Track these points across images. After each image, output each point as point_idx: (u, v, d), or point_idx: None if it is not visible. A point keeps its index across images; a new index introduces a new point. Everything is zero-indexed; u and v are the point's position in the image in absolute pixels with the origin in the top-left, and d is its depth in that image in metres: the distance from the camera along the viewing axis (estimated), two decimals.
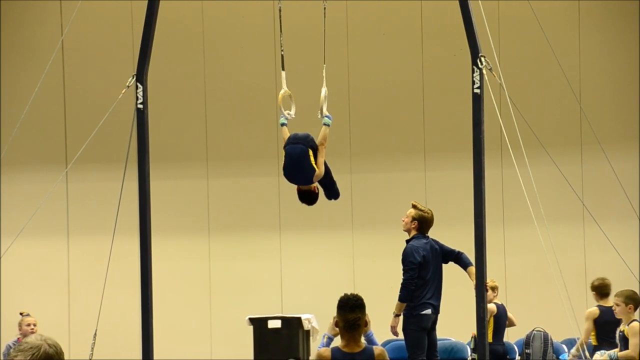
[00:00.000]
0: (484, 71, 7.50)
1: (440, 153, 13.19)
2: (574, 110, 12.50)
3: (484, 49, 7.60)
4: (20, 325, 11.18)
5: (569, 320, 9.44)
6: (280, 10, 8.26)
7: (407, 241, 9.03)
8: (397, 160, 13.30)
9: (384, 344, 11.03)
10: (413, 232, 9.02)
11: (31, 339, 3.40)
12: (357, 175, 13.02)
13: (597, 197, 12.48)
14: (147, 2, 8.12)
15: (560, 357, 10.57)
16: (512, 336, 11.31)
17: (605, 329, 9.81)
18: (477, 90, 7.49)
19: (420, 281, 8.84)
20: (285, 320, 11.69)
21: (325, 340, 10.40)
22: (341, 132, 12.85)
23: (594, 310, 9.88)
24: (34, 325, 11.11)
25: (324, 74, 8.12)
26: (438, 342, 9.24)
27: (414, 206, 9.07)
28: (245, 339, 11.98)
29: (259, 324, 11.70)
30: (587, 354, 9.24)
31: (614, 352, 9.61)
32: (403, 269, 8.87)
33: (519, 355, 11.09)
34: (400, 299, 8.84)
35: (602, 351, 9.83)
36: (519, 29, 12.82)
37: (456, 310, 10.70)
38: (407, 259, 8.86)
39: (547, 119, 12.71)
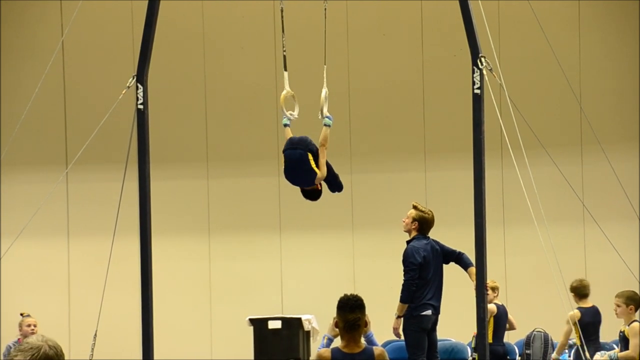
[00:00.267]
0: (484, 71, 7.50)
1: (441, 153, 13.19)
2: (574, 110, 12.50)
3: (484, 49, 7.60)
4: (20, 325, 11.19)
5: (569, 320, 9.45)
6: (282, 11, 8.25)
7: (408, 242, 9.02)
8: (397, 161, 13.30)
9: (384, 345, 11.02)
10: (413, 233, 9.01)
11: (32, 339, 3.40)
12: (357, 175, 13.01)
13: (597, 198, 12.48)
14: (147, 2, 8.11)
15: (561, 358, 10.57)
16: (512, 337, 11.31)
17: (587, 330, 9.80)
18: (478, 91, 7.49)
19: (420, 282, 8.84)
20: (285, 320, 11.70)
21: (325, 341, 10.39)
22: (341, 133, 12.85)
23: (576, 313, 9.85)
24: (34, 326, 11.11)
25: (324, 75, 8.12)
26: (438, 343, 9.24)
27: (415, 207, 9.06)
28: (245, 339, 11.99)
29: (259, 324, 11.71)
30: (587, 354, 9.24)
31: (614, 352, 9.61)
32: (404, 270, 8.86)
33: (519, 355, 11.09)
34: (402, 300, 8.83)
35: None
36: (519, 29, 12.82)
37: (456, 311, 10.69)
38: (408, 259, 8.85)
39: (548, 119, 12.71)
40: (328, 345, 10.20)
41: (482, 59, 7.50)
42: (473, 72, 7.51)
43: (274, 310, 12.64)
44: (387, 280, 11.64)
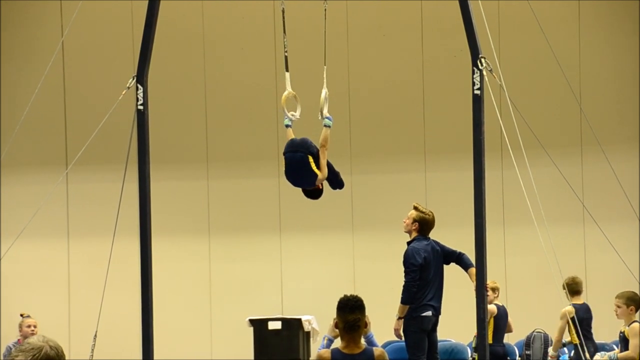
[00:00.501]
0: (484, 72, 7.50)
1: (441, 154, 13.19)
2: (574, 111, 12.50)
3: (484, 49, 7.60)
4: (20, 326, 11.19)
5: (569, 320, 9.45)
6: (283, 12, 8.24)
7: (408, 243, 9.01)
8: (397, 161, 13.30)
9: (384, 345, 11.02)
10: (414, 234, 9.00)
11: (33, 340, 3.40)
12: (358, 176, 13.01)
13: (597, 198, 12.48)
14: (147, 2, 8.11)
15: (561, 358, 10.57)
16: (512, 337, 11.31)
17: (581, 326, 9.80)
18: (478, 92, 7.49)
19: (421, 283, 8.83)
20: (285, 321, 11.70)
21: (325, 341, 10.38)
22: (341, 133, 12.85)
23: (570, 308, 9.85)
24: (35, 326, 11.11)
25: (324, 75, 8.11)
26: (438, 343, 9.23)
27: (415, 208, 9.05)
28: (245, 340, 11.99)
29: (259, 325, 11.71)
30: (587, 355, 9.24)
31: (614, 353, 9.62)
32: (404, 271, 8.85)
33: (519, 356, 11.09)
34: (403, 302, 8.82)
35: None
36: (519, 29, 12.82)
37: (457, 312, 10.69)
38: (408, 261, 8.84)
39: (548, 120, 12.71)
40: (328, 346, 10.19)
41: (482, 60, 7.50)
42: (473, 73, 7.51)
43: (274, 311, 12.64)
44: (387, 281, 11.63)
